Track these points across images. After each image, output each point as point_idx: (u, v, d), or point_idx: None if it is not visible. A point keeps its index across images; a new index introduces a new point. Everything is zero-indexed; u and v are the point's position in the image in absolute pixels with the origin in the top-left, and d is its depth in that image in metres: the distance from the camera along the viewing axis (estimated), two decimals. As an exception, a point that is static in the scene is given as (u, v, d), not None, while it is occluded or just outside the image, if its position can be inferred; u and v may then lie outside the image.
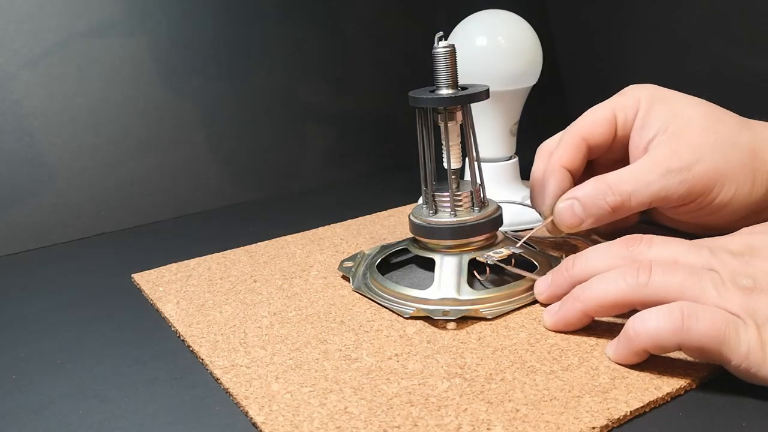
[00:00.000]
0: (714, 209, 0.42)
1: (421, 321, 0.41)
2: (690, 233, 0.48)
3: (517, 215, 0.54)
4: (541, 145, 0.49)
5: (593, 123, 0.46)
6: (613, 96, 0.47)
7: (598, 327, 0.38)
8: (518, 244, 0.45)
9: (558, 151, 0.46)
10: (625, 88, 0.47)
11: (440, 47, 0.43)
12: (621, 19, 0.81)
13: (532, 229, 0.54)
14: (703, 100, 0.44)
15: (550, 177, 0.45)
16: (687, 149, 0.41)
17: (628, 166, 0.43)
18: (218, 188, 0.70)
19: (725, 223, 0.43)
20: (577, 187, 0.44)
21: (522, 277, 0.43)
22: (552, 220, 0.45)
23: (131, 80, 0.67)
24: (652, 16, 0.77)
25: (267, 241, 0.57)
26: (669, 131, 0.42)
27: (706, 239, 0.36)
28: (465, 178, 0.48)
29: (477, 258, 0.43)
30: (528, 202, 0.55)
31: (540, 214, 0.47)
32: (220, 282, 0.49)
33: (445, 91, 0.43)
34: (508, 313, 0.41)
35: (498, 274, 0.44)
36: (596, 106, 0.47)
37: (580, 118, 0.47)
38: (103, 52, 0.66)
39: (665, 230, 0.51)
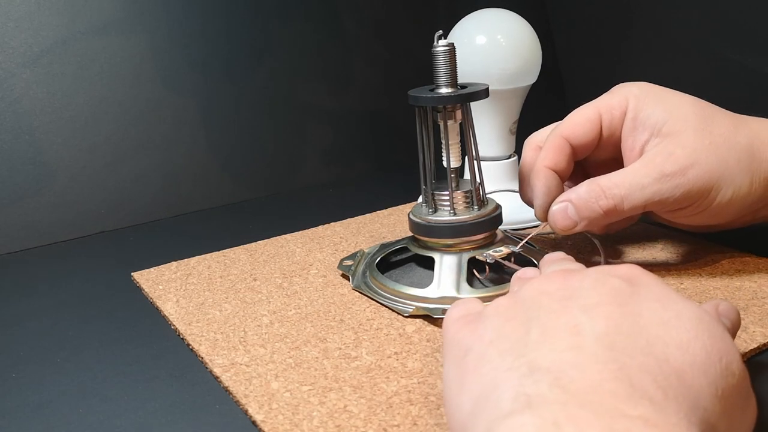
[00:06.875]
0: (712, 212, 0.42)
1: (421, 319, 0.41)
2: (690, 233, 0.47)
3: (516, 213, 0.54)
4: (529, 138, 0.48)
5: (576, 124, 0.45)
6: (602, 95, 0.45)
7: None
8: (519, 245, 0.45)
9: (542, 153, 0.45)
10: (615, 87, 0.45)
11: (440, 46, 0.43)
12: (621, 18, 0.81)
13: (531, 227, 0.54)
14: (696, 98, 0.43)
15: (536, 179, 0.44)
16: (683, 152, 0.40)
17: (623, 169, 0.42)
18: (218, 187, 0.70)
19: (724, 222, 0.43)
20: (571, 189, 0.43)
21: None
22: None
23: (131, 79, 0.67)
24: (652, 14, 0.77)
25: (267, 240, 0.57)
26: (663, 132, 0.41)
27: None
28: (464, 177, 0.48)
29: (476, 257, 0.43)
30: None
31: (527, 204, 0.47)
32: (219, 280, 0.49)
33: (444, 90, 0.43)
34: (507, 311, 0.41)
35: (497, 273, 0.44)
36: (583, 105, 0.45)
37: (566, 117, 0.46)
38: (103, 51, 0.66)
39: (666, 230, 0.51)
